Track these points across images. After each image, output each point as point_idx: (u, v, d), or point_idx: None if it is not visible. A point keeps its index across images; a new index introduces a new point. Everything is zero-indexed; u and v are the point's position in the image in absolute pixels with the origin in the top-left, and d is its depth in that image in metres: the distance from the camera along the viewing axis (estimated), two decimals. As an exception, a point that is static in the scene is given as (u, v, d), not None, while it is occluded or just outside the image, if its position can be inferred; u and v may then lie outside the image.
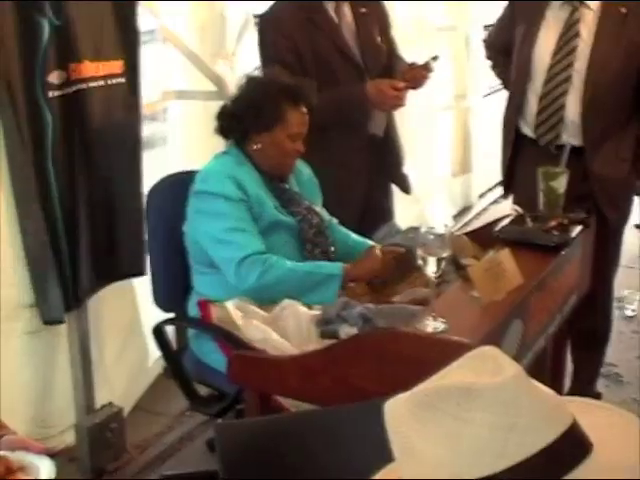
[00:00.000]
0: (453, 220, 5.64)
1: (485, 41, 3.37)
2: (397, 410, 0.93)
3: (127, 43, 2.78)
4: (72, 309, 2.75)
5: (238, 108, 2.55)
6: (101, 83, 2.72)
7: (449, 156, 5.92)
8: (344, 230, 2.74)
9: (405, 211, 4.47)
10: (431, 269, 1.89)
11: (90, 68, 2.67)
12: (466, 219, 5.74)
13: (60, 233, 2.64)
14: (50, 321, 2.70)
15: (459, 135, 6.00)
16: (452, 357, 1.71)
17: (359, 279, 2.43)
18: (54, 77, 2.56)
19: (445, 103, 5.69)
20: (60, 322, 2.72)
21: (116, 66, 2.77)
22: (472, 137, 5.99)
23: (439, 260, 1.89)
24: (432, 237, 1.89)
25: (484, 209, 5.92)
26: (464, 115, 5.93)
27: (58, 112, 2.58)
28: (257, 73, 2.68)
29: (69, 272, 2.69)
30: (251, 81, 2.59)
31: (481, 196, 6.17)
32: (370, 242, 2.66)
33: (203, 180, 2.49)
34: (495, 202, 5.69)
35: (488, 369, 0.92)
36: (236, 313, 2.14)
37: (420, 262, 1.90)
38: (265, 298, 2.37)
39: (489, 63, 3.32)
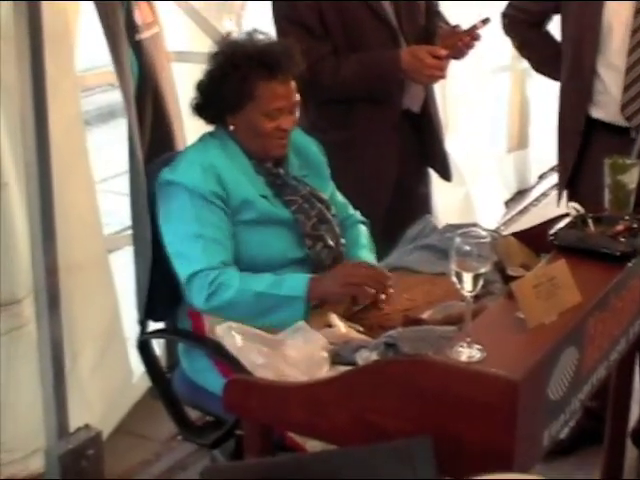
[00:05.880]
0: (505, 207, 5.61)
1: (506, 16, 3.20)
2: None
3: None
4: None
5: (206, 83, 2.53)
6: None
7: (504, 128, 5.89)
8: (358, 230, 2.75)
9: (447, 195, 4.47)
10: (467, 287, 1.89)
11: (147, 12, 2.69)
12: (521, 206, 5.71)
13: None
14: None
15: (516, 102, 5.96)
16: (487, 394, 1.73)
17: (326, 299, 2.40)
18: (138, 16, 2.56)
19: (500, 63, 5.66)
20: None
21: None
22: (530, 104, 5.95)
23: (476, 277, 1.89)
24: (469, 248, 1.88)
25: (544, 194, 5.87)
26: (522, 78, 5.89)
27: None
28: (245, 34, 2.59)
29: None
30: (224, 47, 2.54)
31: (541, 177, 6.11)
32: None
33: (171, 166, 2.50)
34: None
35: None
36: (234, 334, 2.16)
37: (454, 279, 1.90)
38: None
39: (515, 43, 3.28)
